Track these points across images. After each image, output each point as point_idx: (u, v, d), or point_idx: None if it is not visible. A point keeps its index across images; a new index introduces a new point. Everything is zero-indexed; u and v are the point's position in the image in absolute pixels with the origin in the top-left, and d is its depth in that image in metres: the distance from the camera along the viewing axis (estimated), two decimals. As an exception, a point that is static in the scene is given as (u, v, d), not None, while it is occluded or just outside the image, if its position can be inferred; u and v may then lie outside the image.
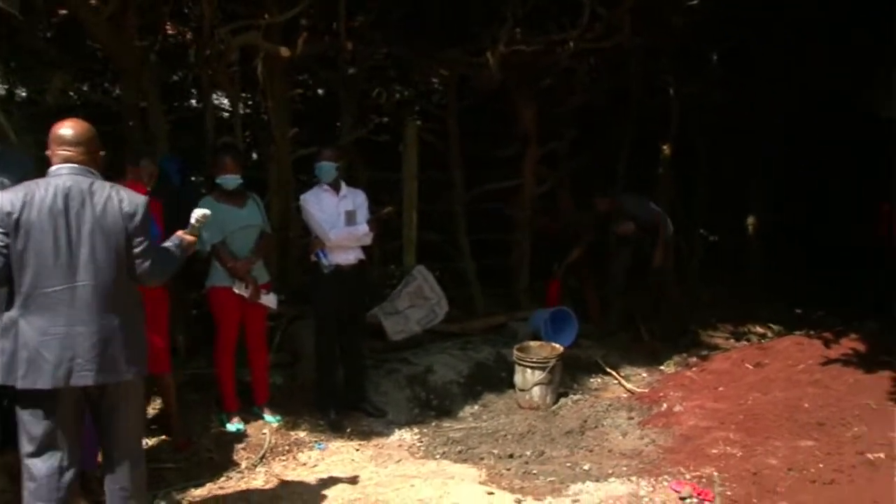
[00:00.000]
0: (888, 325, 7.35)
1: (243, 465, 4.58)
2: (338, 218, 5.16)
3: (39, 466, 3.01)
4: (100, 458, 3.44)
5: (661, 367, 6.82)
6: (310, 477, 4.43)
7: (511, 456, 4.83)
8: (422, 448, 5.04)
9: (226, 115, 5.97)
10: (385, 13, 6.38)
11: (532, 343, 6.20)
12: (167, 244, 3.38)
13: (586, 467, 4.61)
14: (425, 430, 5.33)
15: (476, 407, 5.83)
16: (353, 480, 4.37)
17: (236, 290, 4.80)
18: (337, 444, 4.97)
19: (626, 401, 5.91)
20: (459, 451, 4.95)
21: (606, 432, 5.24)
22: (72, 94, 5.73)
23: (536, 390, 5.69)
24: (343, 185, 5.32)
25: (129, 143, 5.10)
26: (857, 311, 8.02)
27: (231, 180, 4.81)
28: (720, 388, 5.94)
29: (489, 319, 7.17)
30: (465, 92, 7.18)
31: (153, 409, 4.93)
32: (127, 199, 3.11)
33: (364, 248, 5.46)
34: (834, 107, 8.95)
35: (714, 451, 4.70)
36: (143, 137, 5.17)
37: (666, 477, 4.31)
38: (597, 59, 7.38)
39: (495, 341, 6.74)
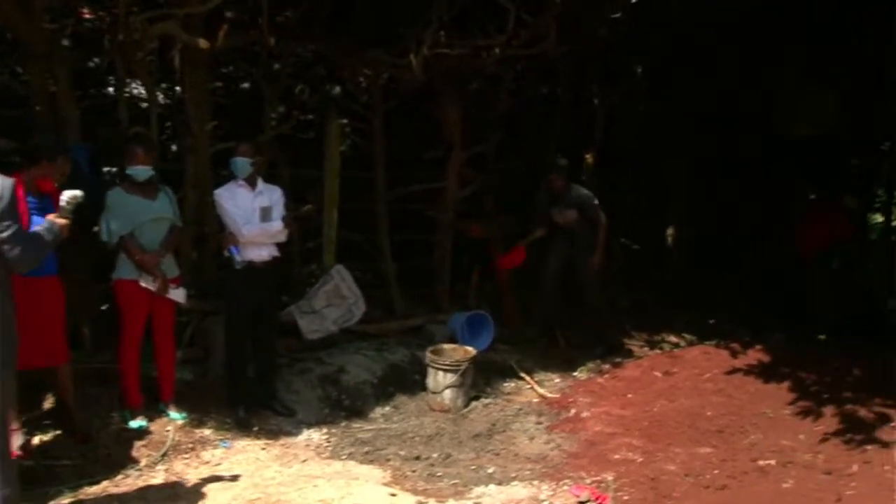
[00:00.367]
0: (794, 338, 7.66)
1: (143, 462, 4.48)
2: (252, 214, 5.11)
3: None
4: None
5: (575, 374, 6.91)
6: (211, 476, 4.35)
7: (417, 458, 4.87)
8: (329, 448, 5.02)
9: (144, 105, 5.82)
10: (313, 10, 6.31)
11: (445, 346, 6.23)
12: (38, 229, 3.31)
13: (490, 471, 4.66)
14: (334, 431, 5.31)
15: (387, 408, 5.83)
16: (255, 480, 4.31)
17: (143, 284, 4.70)
18: (243, 443, 4.91)
19: (536, 406, 5.99)
20: (366, 452, 4.95)
21: (514, 436, 5.31)
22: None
23: (448, 393, 5.72)
24: (259, 180, 5.26)
25: (38, 130, 4.92)
26: (767, 322, 8.33)
27: (142, 171, 4.70)
28: (629, 395, 6.07)
29: (407, 321, 7.17)
30: (393, 93, 7.15)
31: (48, 400, 4.78)
32: None
33: (281, 246, 5.42)
34: (748, 124, 9.27)
35: (616, 456, 4.82)
36: (52, 124, 5.00)
37: (567, 481, 4.40)
38: (524, 65, 7.45)
39: (411, 343, 6.73)
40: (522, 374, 6.65)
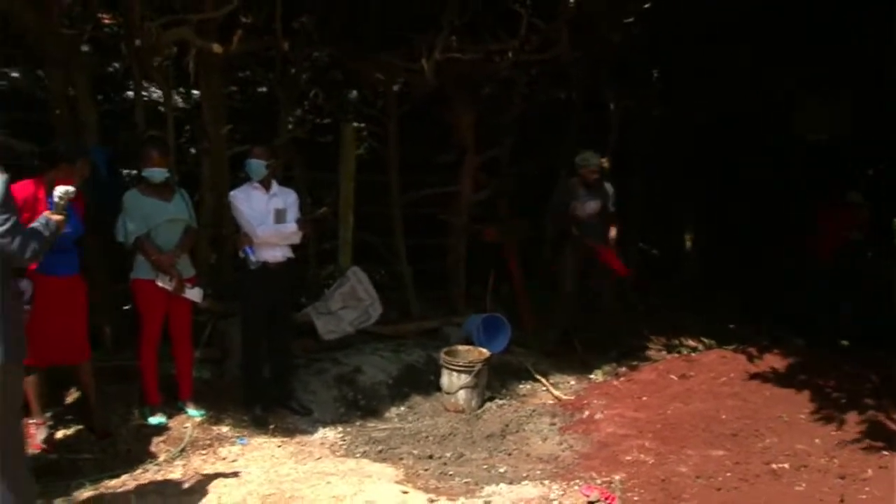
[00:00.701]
0: (815, 343, 7.60)
1: (162, 458, 4.57)
2: (267, 215, 5.20)
3: None
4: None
5: (591, 376, 6.91)
6: (227, 471, 4.41)
7: (430, 457, 4.90)
8: (343, 447, 5.08)
9: (161, 108, 5.92)
10: (327, 15, 6.40)
11: (460, 347, 6.27)
12: (35, 224, 3.36)
13: (502, 470, 4.69)
14: (349, 430, 5.36)
15: (402, 408, 5.87)
16: (270, 476, 4.37)
17: (160, 283, 4.79)
18: (259, 440, 4.97)
19: (550, 407, 6.00)
20: (380, 451, 5.00)
21: (527, 437, 5.33)
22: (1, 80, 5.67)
23: (462, 394, 5.75)
24: (274, 183, 5.34)
25: (58, 134, 5.04)
26: (787, 327, 8.27)
27: (157, 173, 4.81)
28: (643, 398, 6.06)
29: (423, 323, 7.22)
30: (407, 97, 7.22)
31: (71, 398, 4.90)
32: None
33: (297, 248, 5.50)
34: (764, 128, 9.24)
35: (628, 457, 4.82)
36: (72, 127, 5.10)
37: (578, 481, 4.41)
38: (537, 70, 7.49)
39: (427, 345, 6.76)
40: (538, 376, 6.66)
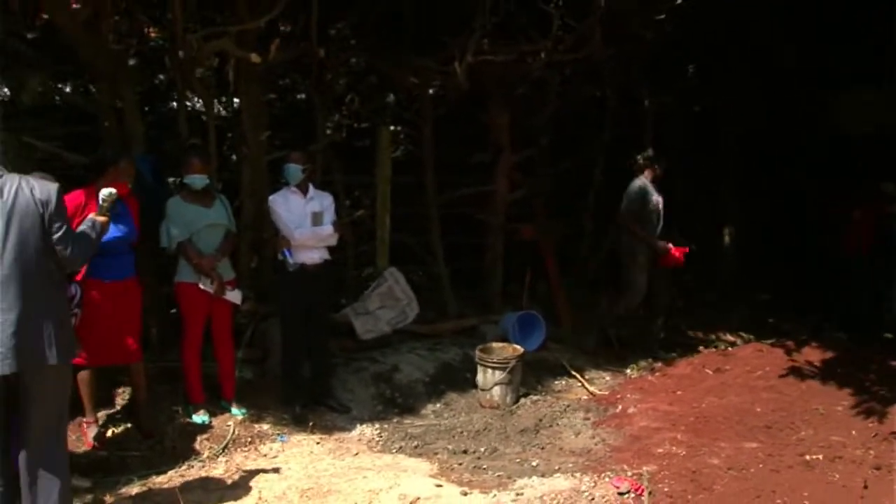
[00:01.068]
0: (855, 338, 7.54)
1: (205, 454, 4.76)
2: (304, 218, 5.36)
3: None
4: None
5: (627, 371, 6.97)
6: (268, 467, 4.59)
7: (465, 452, 5.02)
8: (380, 443, 5.22)
9: (204, 117, 6.14)
10: (362, 22, 6.56)
11: (495, 344, 6.36)
12: (82, 227, 3.53)
13: (535, 464, 4.79)
14: (386, 426, 5.50)
15: (438, 405, 6.00)
16: (309, 471, 4.53)
17: (202, 286, 4.98)
18: (299, 437, 5.13)
19: (584, 402, 6.08)
20: (416, 446, 5.13)
21: (560, 431, 5.42)
22: (55, 95, 5.93)
23: (497, 390, 5.86)
24: (311, 187, 5.51)
25: (105, 143, 5.27)
26: (828, 321, 8.21)
27: (198, 180, 5.00)
28: (678, 392, 6.11)
29: (460, 322, 7.33)
30: (442, 99, 7.34)
31: (121, 396, 5.12)
32: (38, 188, 3.26)
33: (334, 249, 5.66)
34: (802, 122, 9.16)
35: (660, 450, 4.87)
36: (119, 138, 5.34)
37: (609, 473, 4.47)
38: (571, 69, 7.55)
39: (464, 343, 6.87)
40: (573, 372, 6.74)
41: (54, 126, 5.57)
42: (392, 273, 6.77)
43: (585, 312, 7.87)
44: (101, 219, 3.62)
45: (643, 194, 7.05)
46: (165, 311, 5.81)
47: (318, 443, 5.09)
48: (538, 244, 7.94)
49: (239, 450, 4.88)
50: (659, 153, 7.27)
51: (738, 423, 5.32)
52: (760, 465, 4.54)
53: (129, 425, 4.89)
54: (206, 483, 4.37)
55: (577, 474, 4.49)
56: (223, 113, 6.73)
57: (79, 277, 4.34)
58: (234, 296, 5.16)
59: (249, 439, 5.02)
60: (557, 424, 5.55)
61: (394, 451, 5.06)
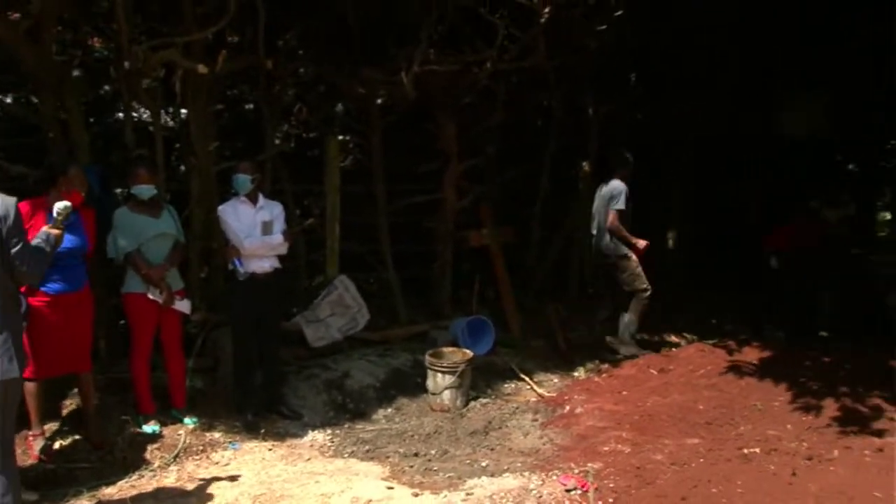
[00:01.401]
0: (792, 337, 7.81)
1: (156, 464, 4.76)
2: (254, 228, 5.40)
3: None
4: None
5: (574, 374, 7.12)
6: (220, 475, 4.60)
7: (416, 454, 5.09)
8: (332, 448, 5.27)
9: (151, 128, 6.13)
10: (309, 33, 6.62)
11: (445, 349, 6.47)
12: (37, 241, 3.53)
13: (484, 464, 4.88)
14: (338, 432, 5.56)
15: (390, 410, 6.07)
16: (261, 477, 4.56)
17: (151, 296, 4.99)
18: (251, 445, 5.16)
19: (533, 404, 6.19)
20: (367, 451, 5.19)
21: (509, 432, 5.53)
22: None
23: (447, 394, 5.95)
24: (261, 196, 5.56)
25: (50, 154, 5.25)
26: (767, 322, 8.47)
27: (146, 190, 5.01)
28: (623, 392, 6.26)
29: (410, 328, 7.42)
30: (390, 109, 7.43)
31: (68, 408, 5.08)
32: None
33: (285, 258, 5.70)
34: (745, 127, 9.45)
35: (606, 448, 5.00)
36: (64, 149, 5.31)
37: (556, 472, 4.58)
38: (517, 78, 7.71)
39: (414, 349, 6.94)
40: (522, 375, 6.87)
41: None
42: (342, 281, 6.83)
43: (532, 317, 8.04)
44: (56, 231, 3.61)
45: (627, 197, 7.22)
46: (113, 322, 5.78)
47: (270, 449, 5.12)
48: (487, 251, 8.06)
49: (190, 458, 4.89)
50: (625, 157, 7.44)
51: (680, 420, 5.49)
52: (701, 460, 4.68)
53: (77, 437, 4.86)
54: (158, 492, 4.36)
55: (526, 473, 4.60)
56: (170, 123, 6.73)
57: (23, 289, 4.31)
58: (183, 305, 5.18)
59: (201, 448, 5.03)
60: (506, 426, 5.65)
61: (346, 455, 5.11)
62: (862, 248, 12.18)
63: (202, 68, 5.40)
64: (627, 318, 7.37)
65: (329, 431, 5.55)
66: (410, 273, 7.84)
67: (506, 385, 6.76)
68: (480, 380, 6.55)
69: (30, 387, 4.47)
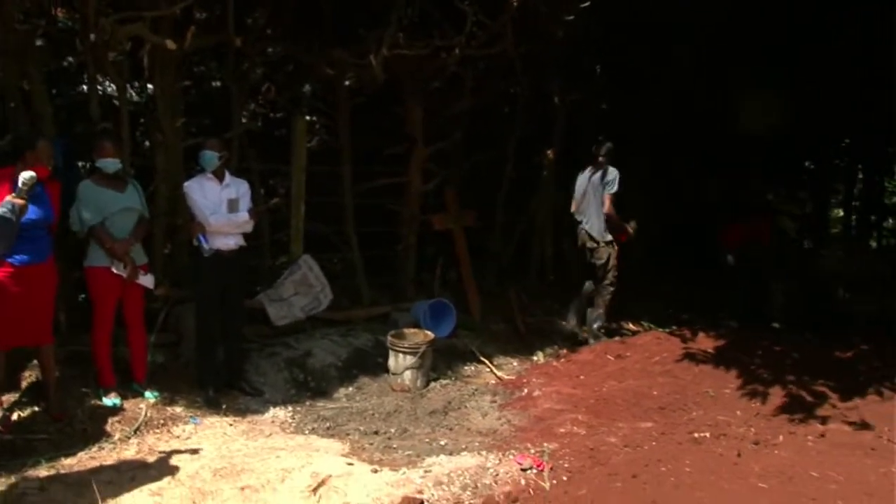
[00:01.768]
0: (748, 326, 8.03)
1: (117, 436, 4.77)
2: (220, 205, 5.43)
3: None
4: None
5: (533, 358, 7.26)
6: (181, 448, 4.65)
7: (376, 432, 5.18)
8: (293, 424, 5.33)
9: (116, 102, 6.08)
10: (279, 12, 6.61)
11: (407, 330, 6.56)
12: (1, 210, 3.54)
13: (443, 443, 4.99)
14: (299, 409, 5.62)
15: (350, 389, 6.15)
16: (222, 452, 4.61)
17: (115, 270, 4.99)
18: (212, 420, 5.21)
19: (492, 387, 6.33)
20: (328, 428, 5.27)
21: (468, 413, 5.65)
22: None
23: (408, 374, 6.05)
24: (227, 174, 5.58)
25: (13, 126, 5.20)
26: (725, 313, 8.69)
27: (111, 164, 5.00)
28: (581, 377, 6.42)
29: (373, 309, 7.48)
30: (358, 91, 7.44)
31: (27, 380, 5.07)
32: None
33: (250, 237, 5.73)
34: (705, 122, 9.64)
35: (562, 430, 5.14)
36: (26, 120, 5.26)
37: (513, 451, 4.70)
38: (485, 65, 7.78)
39: (376, 330, 7.02)
40: (482, 358, 6.98)
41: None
42: (306, 261, 6.86)
43: (494, 301, 8.16)
44: (19, 201, 3.62)
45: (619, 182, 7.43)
46: (74, 295, 5.76)
47: (231, 425, 5.17)
48: (450, 234, 8.14)
49: (151, 432, 4.92)
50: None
51: (635, 405, 5.66)
52: (653, 443, 4.84)
53: (36, 409, 4.85)
54: (119, 465, 4.38)
55: (483, 452, 4.70)
56: (136, 98, 6.67)
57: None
58: (146, 280, 5.19)
59: (162, 422, 5.06)
60: (465, 407, 5.77)
61: (306, 432, 5.18)
62: (814, 244, 12.58)
63: (170, 44, 5.37)
64: (596, 313, 7.62)
65: (290, 408, 5.61)
66: (374, 254, 7.88)
67: (466, 367, 6.87)
68: (441, 361, 6.66)
69: (-9, 358, 4.47)
